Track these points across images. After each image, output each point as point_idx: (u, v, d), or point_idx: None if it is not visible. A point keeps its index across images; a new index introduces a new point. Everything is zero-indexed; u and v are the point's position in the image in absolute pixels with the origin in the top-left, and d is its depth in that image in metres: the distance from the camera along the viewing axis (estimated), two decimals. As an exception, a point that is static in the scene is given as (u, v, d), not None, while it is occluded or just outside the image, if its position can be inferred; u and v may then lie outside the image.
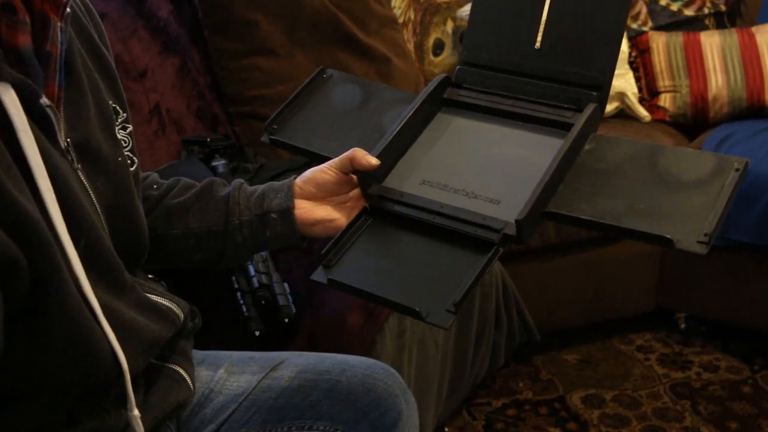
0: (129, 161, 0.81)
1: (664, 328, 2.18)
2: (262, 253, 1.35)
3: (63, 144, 0.71)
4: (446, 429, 1.79)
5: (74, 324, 0.66)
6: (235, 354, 1.00)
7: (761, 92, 2.20)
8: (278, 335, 1.26)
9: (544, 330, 1.94)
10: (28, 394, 0.69)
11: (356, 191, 0.91)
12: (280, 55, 1.85)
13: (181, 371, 0.85)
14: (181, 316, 0.83)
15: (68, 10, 0.71)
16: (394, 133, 0.90)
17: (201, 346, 0.99)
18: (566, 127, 0.86)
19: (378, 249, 0.86)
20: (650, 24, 2.41)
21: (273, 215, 0.90)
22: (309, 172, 0.91)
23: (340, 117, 0.98)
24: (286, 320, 1.25)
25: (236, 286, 1.30)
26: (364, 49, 1.94)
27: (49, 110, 0.67)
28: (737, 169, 0.78)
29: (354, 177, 0.89)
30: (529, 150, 0.88)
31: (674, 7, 2.43)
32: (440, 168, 0.90)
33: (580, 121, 0.85)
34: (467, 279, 0.78)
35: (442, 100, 0.95)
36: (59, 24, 0.70)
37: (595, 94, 0.87)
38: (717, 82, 2.23)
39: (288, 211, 0.90)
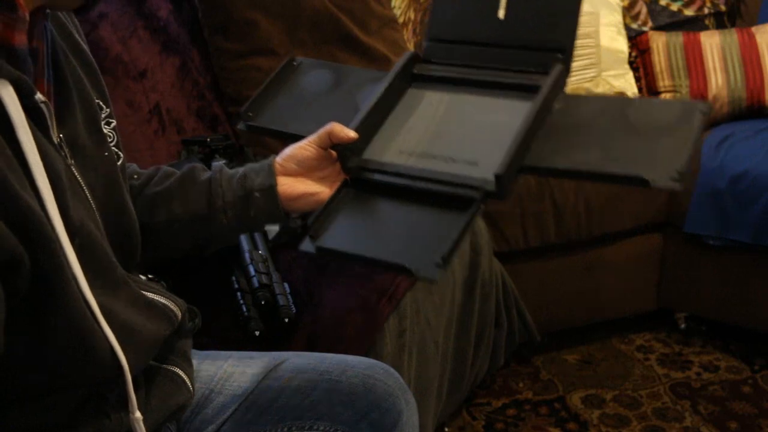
0: (116, 156, 0.81)
1: (664, 328, 2.18)
2: (262, 253, 1.35)
3: (56, 139, 0.70)
4: (446, 429, 1.79)
5: (75, 323, 0.66)
6: (235, 354, 1.00)
7: (761, 92, 2.20)
8: (278, 335, 1.26)
9: (544, 330, 1.94)
10: (29, 397, 0.69)
11: (336, 166, 0.92)
12: (280, 55, 1.85)
13: (181, 373, 0.85)
14: (179, 314, 0.83)
15: None
16: (369, 107, 0.92)
17: (201, 346, 0.99)
18: (534, 89, 0.89)
19: (363, 216, 0.89)
20: (650, 24, 2.40)
21: (256, 194, 0.91)
22: (289, 149, 0.92)
23: (314, 100, 1.00)
24: (286, 320, 1.25)
25: (236, 286, 1.30)
26: (364, 49, 1.94)
27: (43, 106, 0.66)
28: (702, 112, 0.83)
29: (333, 153, 0.91)
30: (502, 114, 0.91)
31: (674, 7, 2.43)
32: (417, 138, 0.92)
33: (547, 81, 0.88)
34: (453, 234, 0.81)
35: (412, 76, 0.97)
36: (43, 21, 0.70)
37: (560, 56, 0.90)
38: (717, 82, 2.23)
39: (271, 189, 0.90)
